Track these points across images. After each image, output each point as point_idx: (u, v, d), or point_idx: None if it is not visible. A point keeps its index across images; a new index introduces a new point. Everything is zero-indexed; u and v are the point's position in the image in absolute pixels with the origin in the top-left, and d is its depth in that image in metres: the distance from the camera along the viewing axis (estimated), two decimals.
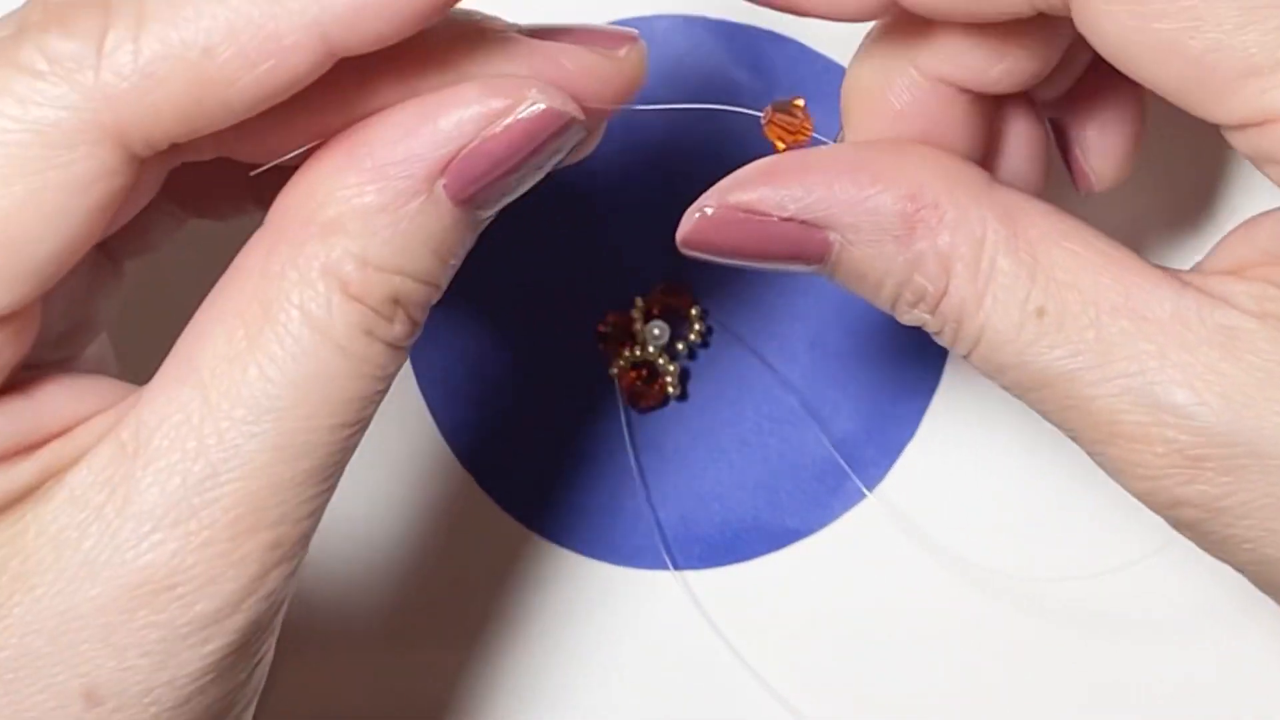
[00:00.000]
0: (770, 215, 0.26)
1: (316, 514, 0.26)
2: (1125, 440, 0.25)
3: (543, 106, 0.25)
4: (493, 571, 0.39)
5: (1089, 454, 0.26)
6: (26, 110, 0.24)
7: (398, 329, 0.26)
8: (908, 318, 0.27)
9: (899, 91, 0.28)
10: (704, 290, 0.38)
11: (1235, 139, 0.25)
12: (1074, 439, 0.26)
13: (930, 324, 0.27)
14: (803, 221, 0.26)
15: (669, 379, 0.37)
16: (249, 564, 0.25)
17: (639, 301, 0.37)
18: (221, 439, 0.24)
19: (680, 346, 0.37)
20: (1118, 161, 0.31)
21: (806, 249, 0.26)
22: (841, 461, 0.38)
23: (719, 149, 0.38)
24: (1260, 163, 0.25)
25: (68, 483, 0.25)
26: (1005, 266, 0.25)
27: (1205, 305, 0.25)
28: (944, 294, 0.26)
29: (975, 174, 0.27)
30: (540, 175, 0.27)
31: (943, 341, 0.27)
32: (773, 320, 0.38)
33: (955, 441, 0.38)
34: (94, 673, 0.24)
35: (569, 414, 0.39)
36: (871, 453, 0.38)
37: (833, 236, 0.26)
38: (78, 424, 0.26)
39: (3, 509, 0.25)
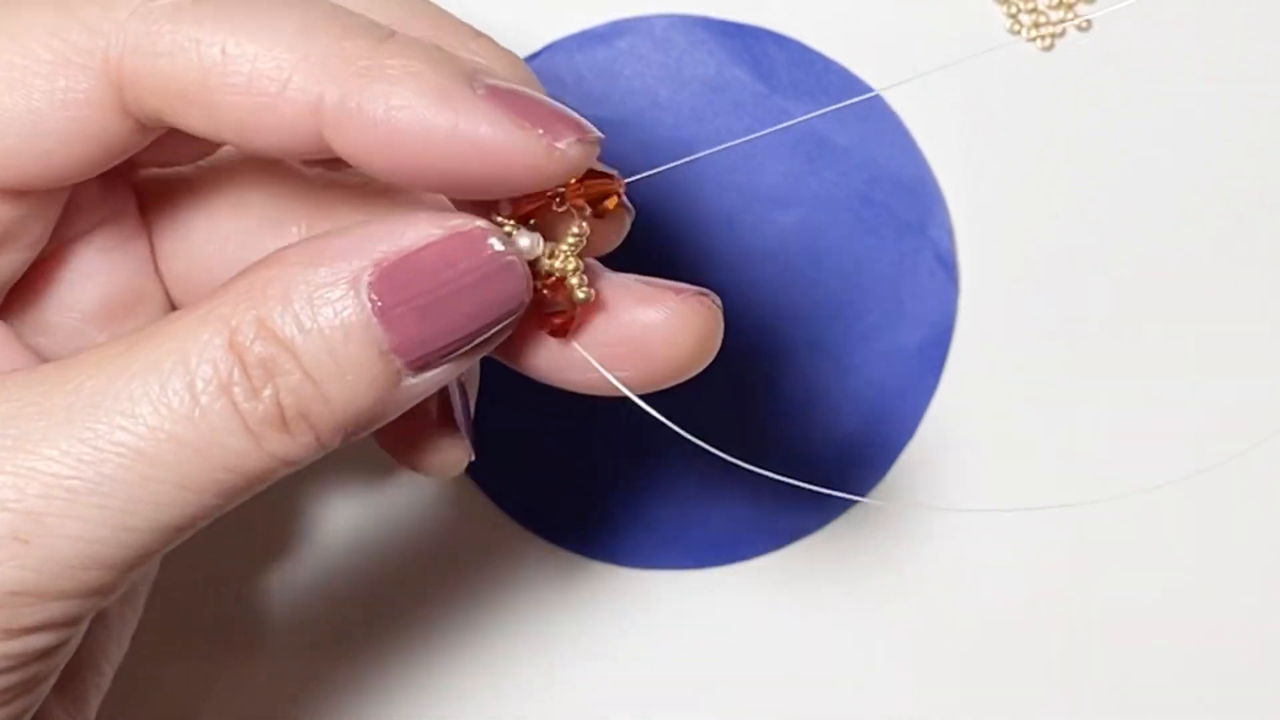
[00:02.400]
0: None
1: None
2: None
3: (492, 242, 0.25)
4: (491, 572, 0.39)
5: None
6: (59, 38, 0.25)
7: (260, 406, 0.24)
8: None
9: None
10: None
11: None
12: None
13: None
14: None
15: (571, 278, 0.27)
16: None
17: (499, 218, 0.27)
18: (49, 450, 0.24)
19: (564, 248, 0.27)
20: None
21: None
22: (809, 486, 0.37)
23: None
24: None
25: None
26: None
27: None
28: None
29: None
30: (463, 343, 0.25)
31: None
32: (773, 320, 0.38)
33: (955, 441, 0.38)
34: None
35: (567, 413, 0.39)
36: (871, 453, 0.38)
37: None
38: None
39: None
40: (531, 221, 0.26)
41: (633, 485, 0.39)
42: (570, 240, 0.26)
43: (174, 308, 0.30)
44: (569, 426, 0.39)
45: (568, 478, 0.39)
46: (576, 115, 0.25)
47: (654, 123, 0.38)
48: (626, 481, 0.39)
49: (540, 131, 0.25)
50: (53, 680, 0.26)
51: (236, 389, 0.24)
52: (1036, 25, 0.39)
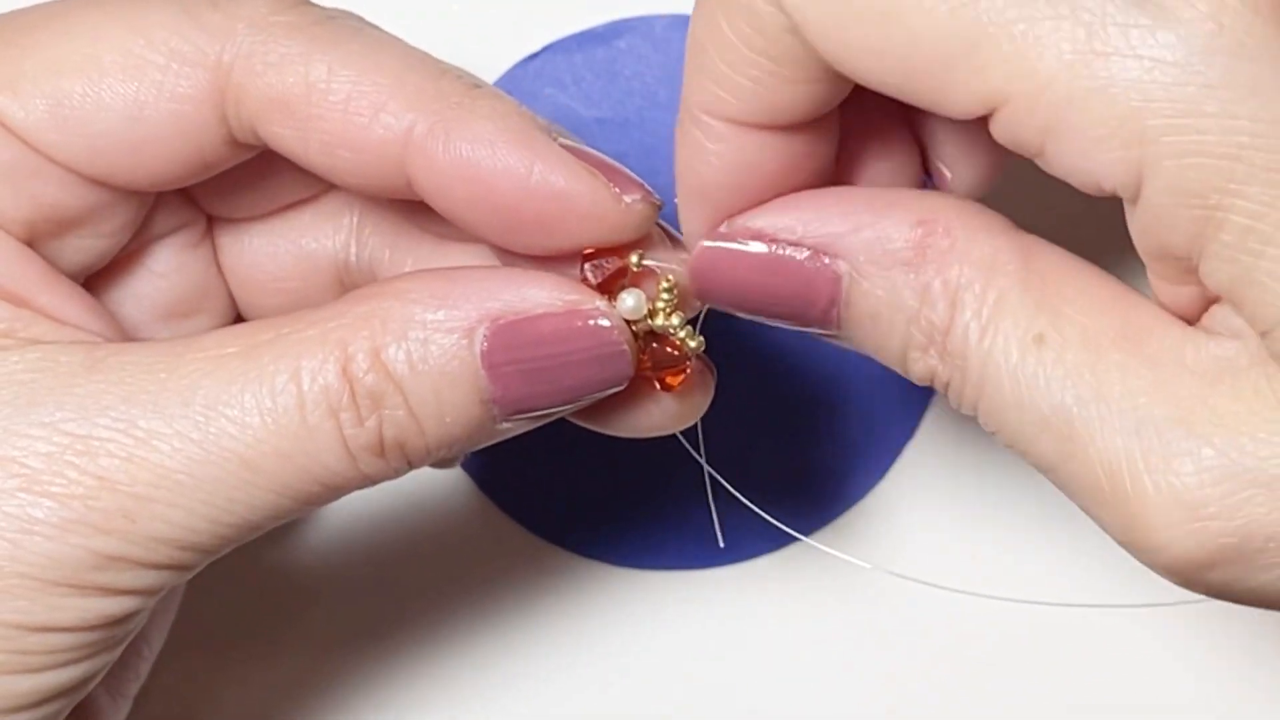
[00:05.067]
0: (780, 240, 0.26)
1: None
2: (1123, 499, 0.23)
3: (606, 323, 0.26)
4: (491, 572, 0.39)
5: (1098, 523, 0.25)
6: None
7: (363, 434, 0.26)
8: (920, 368, 0.25)
9: (709, 147, 0.26)
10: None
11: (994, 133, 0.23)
12: (1083, 508, 0.25)
13: (940, 373, 0.25)
14: (812, 252, 0.25)
15: (675, 334, 0.28)
16: None
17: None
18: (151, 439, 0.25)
19: (661, 305, 0.27)
20: (975, 160, 0.28)
21: (816, 284, 0.25)
22: (766, 516, 0.37)
23: None
24: (1025, 154, 0.23)
25: (41, 346, 0.26)
26: (1013, 297, 0.24)
27: (1203, 338, 0.23)
28: (950, 327, 0.24)
29: (994, 215, 0.25)
30: (559, 406, 0.27)
31: (954, 400, 0.25)
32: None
33: (955, 442, 0.38)
34: None
35: None
36: (871, 453, 0.38)
37: (842, 268, 0.25)
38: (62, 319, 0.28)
39: None
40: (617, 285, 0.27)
41: (632, 486, 0.39)
42: (665, 297, 0.27)
43: (235, 306, 0.31)
44: (569, 427, 0.39)
45: (568, 478, 0.39)
46: (642, 181, 0.27)
47: (654, 123, 0.38)
48: (626, 482, 0.39)
49: (612, 185, 0.26)
50: (123, 647, 0.28)
51: (344, 415, 0.26)
52: None
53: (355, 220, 0.31)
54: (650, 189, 0.27)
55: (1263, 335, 0.22)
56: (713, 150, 0.26)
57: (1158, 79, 0.20)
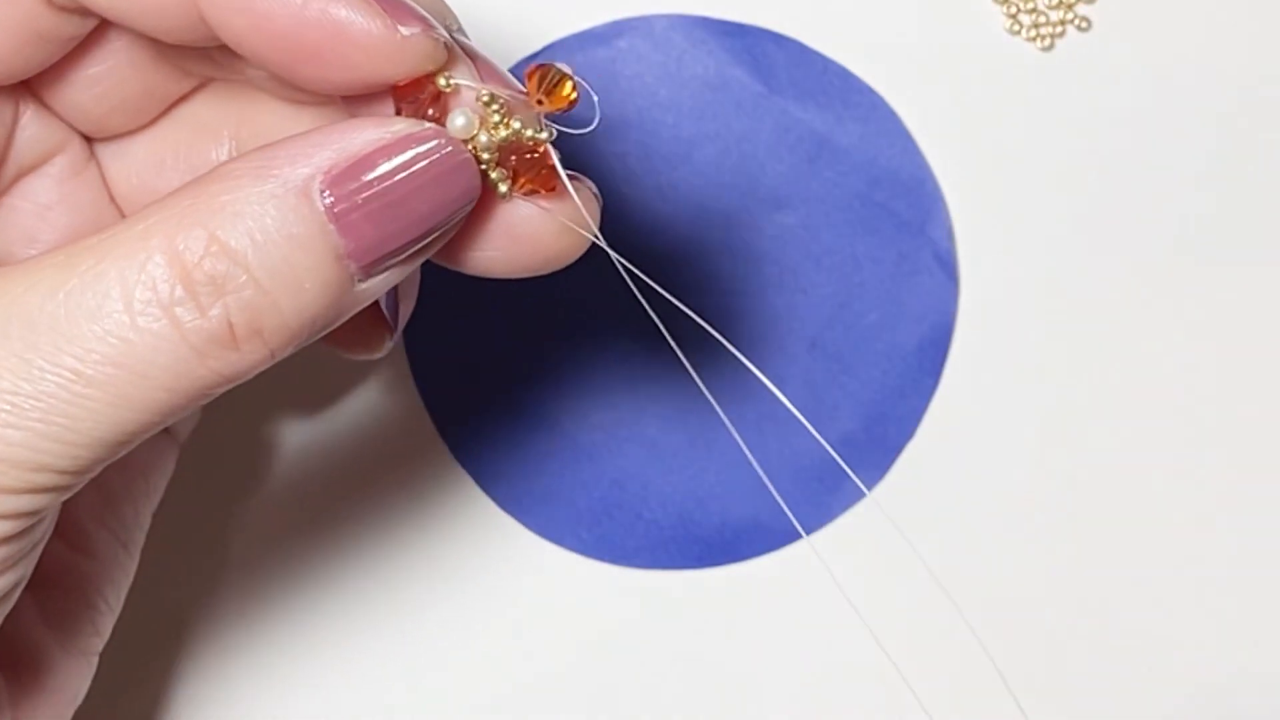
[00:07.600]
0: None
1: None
2: None
3: (440, 140, 0.25)
4: (491, 571, 0.39)
5: None
6: None
7: (207, 326, 0.24)
8: None
9: None
10: (702, 293, 0.38)
11: None
12: None
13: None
14: None
15: (523, 136, 0.26)
16: None
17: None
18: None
19: (496, 119, 0.26)
20: None
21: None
22: (841, 463, 0.37)
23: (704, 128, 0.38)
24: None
25: None
26: None
27: None
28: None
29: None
30: (417, 242, 0.25)
31: None
32: (773, 321, 0.38)
33: (955, 441, 0.39)
34: None
35: (568, 412, 0.39)
36: (871, 453, 0.38)
37: None
38: None
39: None
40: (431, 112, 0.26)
41: (633, 484, 0.39)
42: (492, 109, 0.26)
43: None
44: (570, 426, 0.39)
45: (567, 477, 0.39)
46: (427, 15, 0.26)
47: (654, 123, 0.38)
48: (627, 480, 0.39)
49: (388, 15, 0.25)
50: (26, 565, 0.26)
51: (179, 309, 0.24)
52: (1036, 25, 0.39)
53: (235, 130, 0.30)
54: (434, 23, 0.26)
55: None
56: None
57: None
